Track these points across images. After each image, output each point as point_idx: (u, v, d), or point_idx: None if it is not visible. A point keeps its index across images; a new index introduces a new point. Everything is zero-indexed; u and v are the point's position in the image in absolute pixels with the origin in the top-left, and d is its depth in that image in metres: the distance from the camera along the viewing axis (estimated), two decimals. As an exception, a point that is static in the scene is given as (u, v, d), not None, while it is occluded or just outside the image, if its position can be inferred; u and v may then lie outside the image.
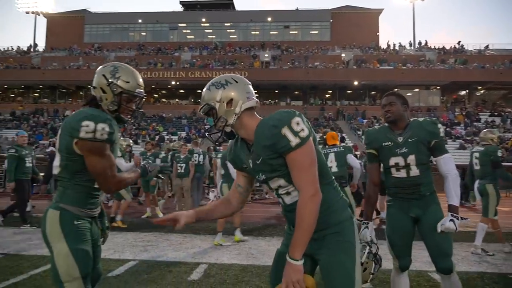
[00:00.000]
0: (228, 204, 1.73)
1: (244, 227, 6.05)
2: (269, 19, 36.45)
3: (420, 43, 34.33)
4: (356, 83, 29.03)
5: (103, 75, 1.82)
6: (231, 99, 1.56)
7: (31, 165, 6.44)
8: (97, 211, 1.88)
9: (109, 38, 37.77)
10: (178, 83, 30.38)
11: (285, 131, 1.43)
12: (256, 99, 1.62)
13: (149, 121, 27.34)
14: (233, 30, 37.29)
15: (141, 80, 1.91)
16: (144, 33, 38.08)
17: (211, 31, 37.36)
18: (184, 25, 37.53)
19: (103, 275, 3.61)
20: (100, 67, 1.89)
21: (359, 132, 23.56)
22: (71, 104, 32.40)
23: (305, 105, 30.43)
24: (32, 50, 37.32)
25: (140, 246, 5.00)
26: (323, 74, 28.64)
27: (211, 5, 38.19)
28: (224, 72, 28.43)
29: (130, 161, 7.57)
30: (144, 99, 1.96)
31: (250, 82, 1.67)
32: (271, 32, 36.74)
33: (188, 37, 37.38)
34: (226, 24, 37.15)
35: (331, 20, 35.72)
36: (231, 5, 39.16)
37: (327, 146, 5.42)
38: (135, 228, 6.34)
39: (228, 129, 1.59)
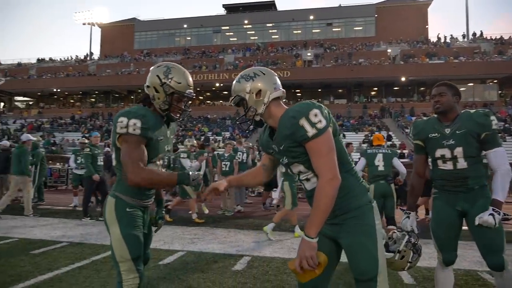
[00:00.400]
0: (254, 177, 1.94)
1: (286, 223, 6.16)
2: (311, 17, 36.13)
3: (474, 34, 32.26)
4: (403, 79, 27.93)
5: (157, 76, 1.91)
6: (260, 90, 1.68)
7: (102, 163, 7.27)
8: (149, 201, 2.02)
9: (157, 44, 39.58)
10: (221, 84, 31.09)
11: (303, 122, 1.53)
12: (282, 90, 1.75)
13: (194, 122, 28.30)
14: (275, 30, 37.44)
15: (191, 80, 2.01)
16: (189, 38, 39.41)
17: (253, 32, 37.80)
18: (227, 28, 38.32)
19: (154, 263, 3.93)
20: (154, 67, 1.98)
21: (407, 130, 22.65)
22: (123, 107, 34.36)
23: (349, 103, 29.83)
24: (88, 58, 40.12)
25: (188, 239, 5.29)
26: (368, 70, 27.89)
27: (253, 6, 38.61)
28: (267, 72, 28.63)
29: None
30: (192, 99, 2.08)
31: (275, 74, 1.80)
32: (314, 31, 36.41)
33: (231, 39, 38.13)
34: (268, 25, 37.40)
35: (376, 15, 34.64)
36: (272, 6, 39.33)
37: (373, 146, 5.54)
38: (183, 222, 6.68)
39: (257, 118, 1.72)
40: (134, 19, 41.61)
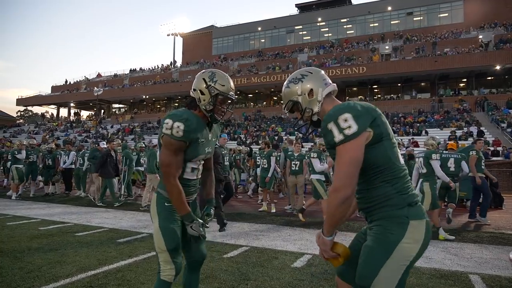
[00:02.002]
0: None
1: (355, 224, 6.02)
2: (389, 8, 34.18)
3: None
4: (497, 67, 24.88)
5: (203, 79, 2.06)
6: (311, 89, 1.70)
7: (228, 163, 7.70)
8: (190, 198, 2.15)
9: (233, 48, 41.19)
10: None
11: (331, 126, 1.49)
12: (334, 84, 1.75)
13: (268, 122, 28.83)
14: (350, 26, 36.23)
15: (233, 85, 2.12)
16: (263, 40, 40.23)
17: (327, 29, 37.10)
18: (300, 27, 38.21)
19: (219, 256, 4.21)
20: (200, 73, 2.12)
21: (503, 125, 20.17)
22: (203, 110, 36.51)
23: (434, 97, 27.52)
24: (172, 66, 43.43)
25: (253, 235, 5.51)
26: (455, 61, 25.42)
27: (326, 3, 37.89)
28: (341, 69, 27.94)
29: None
30: (234, 102, 2.18)
31: (322, 70, 1.79)
32: (392, 22, 34.39)
33: (304, 38, 37.95)
34: (342, 20, 36.38)
35: (464, -1, 31.42)
36: (347, 0, 38.14)
37: (446, 151, 6.80)
38: (251, 219, 6.95)
39: (315, 118, 1.72)
40: (212, 26, 43.89)
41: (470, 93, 27.31)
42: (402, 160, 1.62)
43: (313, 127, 1.79)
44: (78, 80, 45.93)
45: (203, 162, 2.23)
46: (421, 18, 33.61)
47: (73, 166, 11.13)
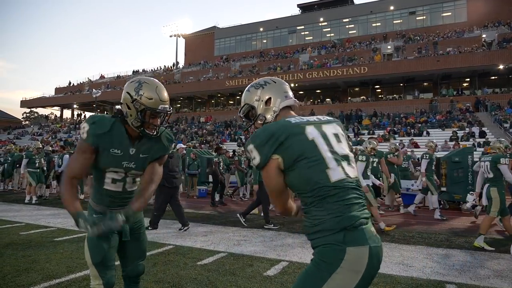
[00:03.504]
0: None
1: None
2: (392, 7, 33.90)
3: None
4: (501, 67, 24.51)
5: (128, 92, 1.87)
6: (270, 98, 1.65)
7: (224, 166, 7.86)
8: (118, 209, 1.92)
9: (235, 49, 41.16)
10: (296, 85, 30.94)
11: (248, 154, 1.49)
12: (294, 99, 1.69)
13: (269, 123, 28.69)
14: (352, 25, 36.00)
15: (165, 95, 1.91)
16: (265, 40, 40.14)
17: (329, 29, 36.91)
18: (302, 27, 38.05)
19: (193, 262, 4.10)
20: (128, 82, 1.93)
21: (506, 125, 19.85)
22: (205, 111, 36.57)
23: (436, 97, 27.19)
24: (174, 67, 43.50)
25: (235, 240, 5.41)
26: (457, 60, 25.10)
27: (328, 3, 37.70)
28: (342, 69, 27.76)
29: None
30: (170, 113, 1.95)
31: (287, 83, 1.73)
32: (394, 22, 34.12)
33: (306, 38, 37.79)
34: (344, 20, 36.16)
35: (468, -3, 31.04)
36: (348, 0, 37.90)
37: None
38: (238, 222, 6.84)
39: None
40: (214, 27, 43.91)
41: (473, 92, 26.95)
42: (337, 176, 1.38)
43: None
44: (81, 82, 46.18)
45: (134, 176, 2.01)
46: (424, 17, 33.28)
47: (67, 169, 11.08)
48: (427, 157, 7.92)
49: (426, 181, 7.85)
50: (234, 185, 12.39)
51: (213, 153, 13.16)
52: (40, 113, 59.54)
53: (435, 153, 8.36)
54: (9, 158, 13.31)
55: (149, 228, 6.14)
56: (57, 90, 46.27)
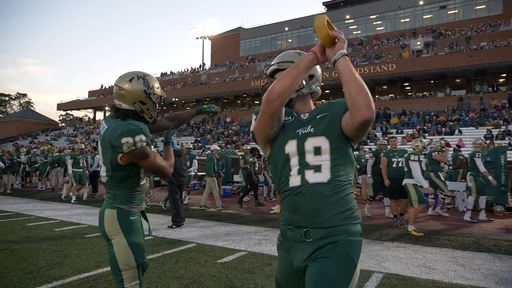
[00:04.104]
0: None
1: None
2: (421, 2, 32.85)
3: None
4: (541, 61, 23.20)
5: (138, 90, 1.98)
6: (313, 75, 1.64)
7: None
8: (143, 205, 2.16)
9: (260, 49, 41.29)
10: (322, 84, 30.44)
11: None
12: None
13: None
14: (380, 22, 35.21)
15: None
16: (290, 40, 40.00)
17: (355, 26, 36.29)
18: (328, 25, 37.55)
19: (213, 260, 4.22)
20: (125, 82, 1.99)
21: (545, 122, 18.79)
22: (231, 112, 36.94)
23: (469, 94, 26.11)
24: (201, 69, 44.21)
25: (256, 240, 5.48)
26: (492, 55, 23.97)
27: (355, 0, 37.06)
28: (369, 67, 27.23)
29: None
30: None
31: None
32: (424, 17, 33.06)
33: (332, 36, 37.24)
34: (371, 17, 35.44)
35: (504, -11, 29.58)
36: (376, -4, 37.09)
37: None
38: (259, 222, 6.92)
39: (295, 95, 1.59)
40: (239, 28, 44.25)
41: (510, 88, 25.65)
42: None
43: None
44: (113, 85, 47.81)
45: None
46: (456, 11, 32.01)
47: (99, 169, 11.53)
48: (479, 155, 7.46)
49: (472, 180, 7.46)
50: (261, 185, 12.44)
51: (242, 154, 13.12)
52: (75, 115, 62.29)
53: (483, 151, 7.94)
54: (44, 159, 14.11)
55: (173, 227, 6.37)
56: (90, 93, 48.19)
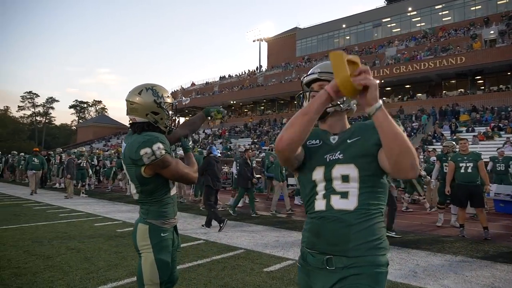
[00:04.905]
0: None
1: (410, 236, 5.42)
2: (495, -14, 29.84)
3: None
4: None
5: (148, 101, 2.03)
6: None
7: None
8: (177, 218, 2.16)
9: (316, 48, 40.65)
10: (382, 81, 29.30)
11: None
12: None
13: (353, 122, 27.56)
14: (447, 12, 32.63)
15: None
16: (348, 37, 38.82)
17: (418, 18, 34.09)
18: (388, 19, 35.85)
19: (260, 269, 4.21)
20: (135, 95, 2.05)
21: None
22: (287, 113, 36.83)
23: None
24: (258, 71, 44.73)
25: (305, 247, 5.37)
26: None
27: (418, -10, 34.80)
28: (435, 61, 25.44)
29: None
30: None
31: None
32: (498, 2, 29.94)
33: (393, 31, 35.49)
34: (437, 7, 32.99)
35: None
36: (442, -16, 34.46)
37: None
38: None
39: (331, 110, 1.48)
40: (295, 28, 43.98)
41: None
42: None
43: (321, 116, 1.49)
44: (175, 90, 50.36)
45: None
46: (537, -7, 28.58)
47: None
48: None
49: None
50: (294, 187, 12.10)
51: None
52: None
53: None
54: (109, 163, 15.38)
55: (204, 226, 6.93)
56: (155, 98, 51.13)
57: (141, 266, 2.00)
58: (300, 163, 1.47)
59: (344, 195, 1.36)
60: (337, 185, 1.38)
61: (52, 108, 71.56)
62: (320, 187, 1.41)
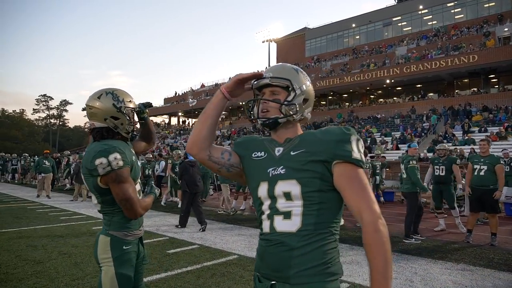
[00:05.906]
0: None
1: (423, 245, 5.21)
2: (509, -18, 29.05)
3: None
4: None
5: (107, 106, 1.93)
6: (308, 99, 1.38)
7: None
8: (142, 229, 2.07)
9: (326, 48, 40.28)
10: (392, 80, 28.86)
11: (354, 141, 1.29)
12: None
13: (363, 123, 27.26)
14: (459, 9, 31.91)
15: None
16: (358, 36, 38.33)
17: (430, 17, 33.41)
18: (399, 18, 35.25)
19: (249, 275, 4.07)
20: (95, 100, 1.94)
21: None
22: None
23: None
24: (267, 72, 44.56)
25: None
26: None
27: (429, -12, 34.16)
28: (446, 60, 24.94)
29: None
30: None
31: None
32: (513, -1, 29.15)
33: (404, 30, 34.89)
34: (448, 5, 32.27)
35: None
36: (454, -19, 33.75)
37: None
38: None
39: (283, 120, 1.32)
40: (304, 28, 43.68)
41: None
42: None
43: (264, 126, 1.35)
44: (185, 91, 50.65)
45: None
46: (554, -12, 27.72)
47: (163, 174, 12.26)
48: None
49: None
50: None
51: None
52: (153, 121, 67.39)
53: None
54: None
55: (178, 226, 7.19)
56: (166, 100, 51.62)
57: (101, 281, 1.88)
58: (239, 172, 1.40)
59: (287, 215, 1.22)
60: (281, 203, 1.24)
61: (66, 110, 73.02)
62: (265, 206, 1.28)
